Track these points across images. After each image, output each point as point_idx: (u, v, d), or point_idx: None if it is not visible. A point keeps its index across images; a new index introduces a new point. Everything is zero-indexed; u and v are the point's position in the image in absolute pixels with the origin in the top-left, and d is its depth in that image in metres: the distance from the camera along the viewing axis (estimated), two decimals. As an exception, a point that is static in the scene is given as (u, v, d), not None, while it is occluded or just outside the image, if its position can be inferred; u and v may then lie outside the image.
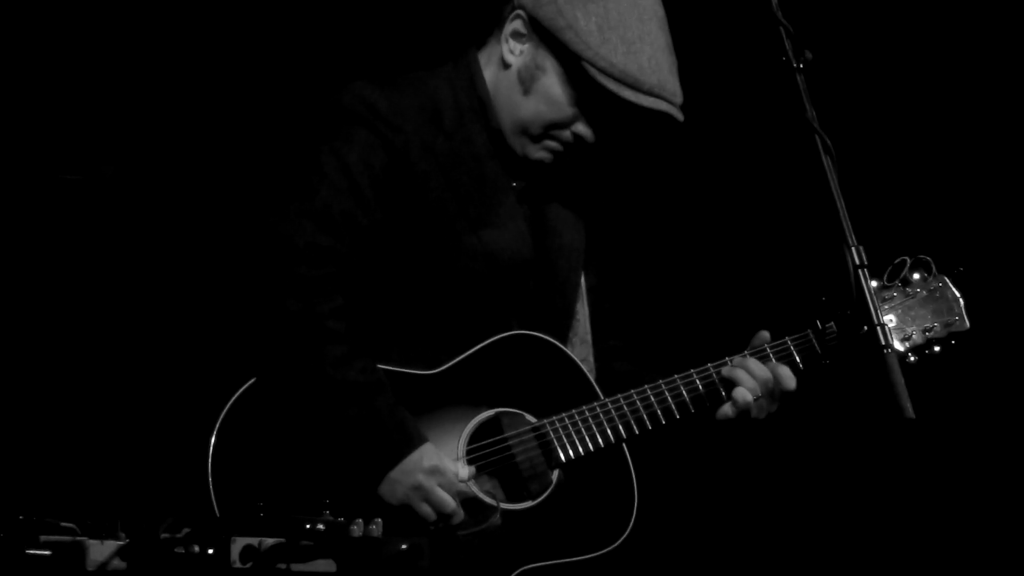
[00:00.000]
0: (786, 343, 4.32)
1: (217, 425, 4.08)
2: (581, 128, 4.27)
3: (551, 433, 4.23)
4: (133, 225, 5.18)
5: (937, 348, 4.34)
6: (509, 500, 4.19)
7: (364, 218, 4.18)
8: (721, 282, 5.69)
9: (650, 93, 4.20)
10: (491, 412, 4.22)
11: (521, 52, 4.29)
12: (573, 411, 4.24)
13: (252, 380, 4.12)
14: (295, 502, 4.01)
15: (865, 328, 3.77)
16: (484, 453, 4.19)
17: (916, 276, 4.36)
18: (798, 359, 4.31)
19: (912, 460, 5.56)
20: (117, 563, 3.34)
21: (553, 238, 4.41)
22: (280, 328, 4.08)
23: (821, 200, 3.83)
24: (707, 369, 4.30)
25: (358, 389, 4.09)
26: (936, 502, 5.59)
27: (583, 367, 4.33)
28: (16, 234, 5.08)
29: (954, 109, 5.63)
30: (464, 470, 4.13)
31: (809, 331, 4.32)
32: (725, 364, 4.30)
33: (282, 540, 3.37)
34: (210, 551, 3.33)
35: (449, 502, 4.10)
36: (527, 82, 4.27)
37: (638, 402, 4.27)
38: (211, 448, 4.06)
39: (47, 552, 3.36)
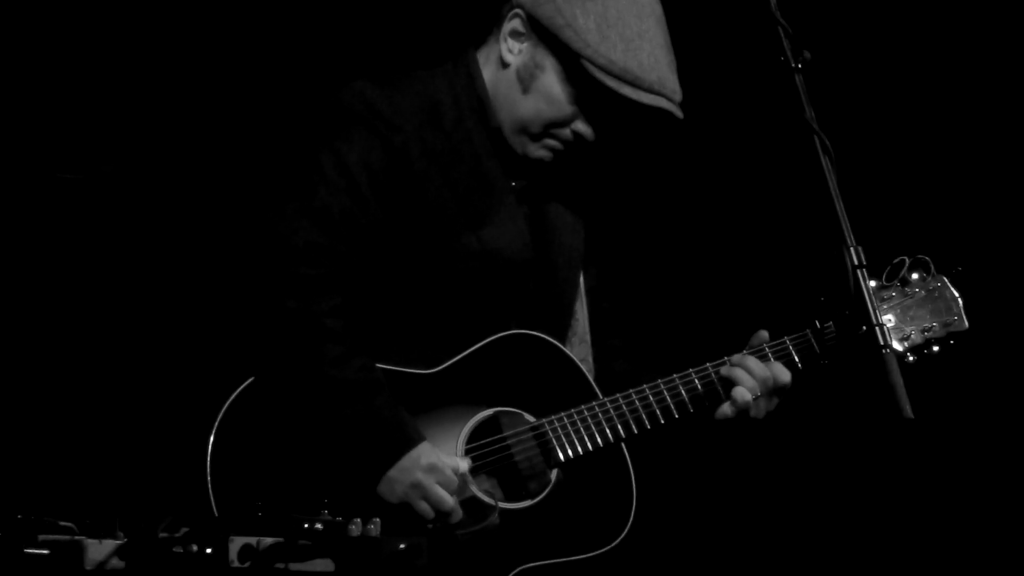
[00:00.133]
0: (785, 343, 4.32)
1: (216, 424, 4.08)
2: (581, 126, 4.27)
3: (550, 432, 4.22)
4: (132, 224, 5.18)
5: (936, 348, 4.34)
6: (508, 499, 4.19)
7: (363, 217, 4.18)
8: (720, 282, 5.69)
9: (650, 90, 4.20)
10: (490, 411, 4.22)
11: (520, 51, 4.29)
12: (572, 411, 4.24)
13: (250, 379, 4.12)
14: (293, 501, 4.01)
15: (864, 328, 3.77)
16: (483, 452, 4.19)
17: (915, 276, 4.36)
18: (797, 359, 4.31)
19: (911, 460, 5.56)
20: (115, 562, 3.34)
21: (552, 237, 4.41)
22: (278, 327, 4.08)
23: (820, 200, 3.83)
24: (706, 369, 4.30)
25: (356, 388, 4.09)
26: (935, 502, 5.59)
27: (582, 367, 4.32)
28: (14, 233, 5.07)
29: (953, 109, 5.63)
30: (463, 463, 4.14)
31: (808, 331, 4.32)
32: (724, 363, 4.30)
33: (280, 539, 3.37)
34: (208, 550, 3.32)
35: (448, 500, 4.10)
36: (526, 81, 4.27)
37: (637, 402, 4.27)
38: (209, 447, 4.06)
39: (45, 551, 3.35)
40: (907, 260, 4.36)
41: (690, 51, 4.35)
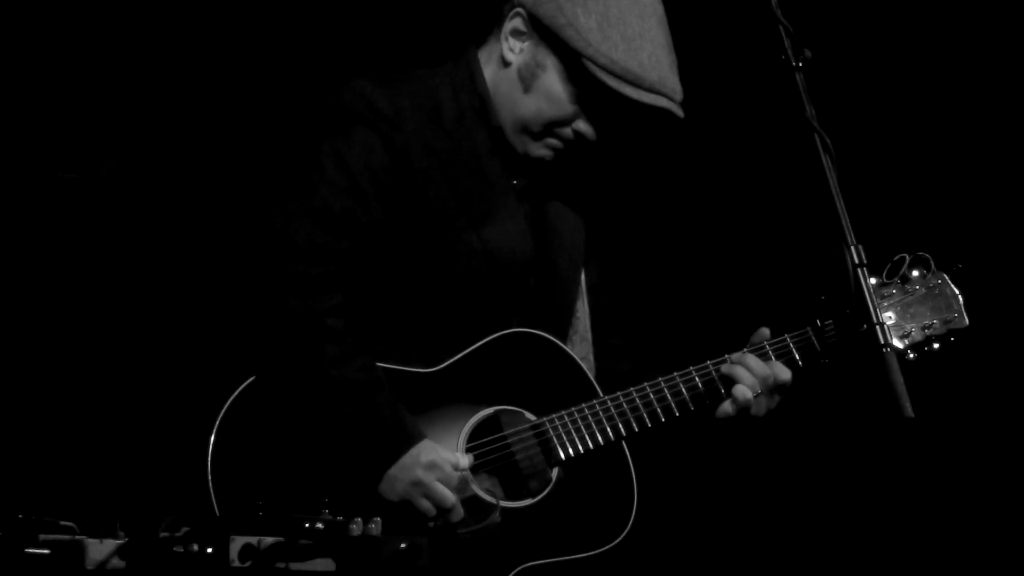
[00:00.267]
0: (786, 340, 4.32)
1: (216, 424, 4.08)
2: (582, 126, 4.27)
3: (551, 431, 4.22)
4: (132, 224, 5.17)
5: (936, 345, 4.34)
6: (508, 498, 4.19)
7: (364, 216, 4.18)
8: (721, 280, 5.69)
9: (651, 90, 4.20)
10: (490, 410, 4.22)
11: (521, 50, 4.29)
12: (573, 409, 4.24)
13: (251, 378, 4.12)
14: (294, 501, 4.00)
15: (864, 327, 3.77)
16: (484, 451, 4.19)
17: (915, 273, 4.36)
18: (797, 357, 4.31)
19: (911, 459, 5.56)
20: (116, 562, 3.34)
21: (553, 236, 4.41)
22: (279, 326, 4.08)
23: (820, 198, 3.83)
24: (706, 367, 4.30)
25: (357, 387, 4.09)
26: (935, 501, 5.59)
27: (583, 365, 4.33)
28: (14, 233, 5.07)
29: (953, 107, 5.63)
30: (464, 459, 4.14)
31: (808, 329, 4.32)
32: (724, 361, 4.30)
33: (281, 539, 3.37)
34: (209, 550, 3.32)
35: (449, 497, 4.10)
36: (527, 80, 4.27)
37: (638, 400, 4.27)
38: (210, 447, 4.06)
39: (46, 551, 3.35)
40: (907, 257, 4.37)
41: (691, 50, 4.35)
